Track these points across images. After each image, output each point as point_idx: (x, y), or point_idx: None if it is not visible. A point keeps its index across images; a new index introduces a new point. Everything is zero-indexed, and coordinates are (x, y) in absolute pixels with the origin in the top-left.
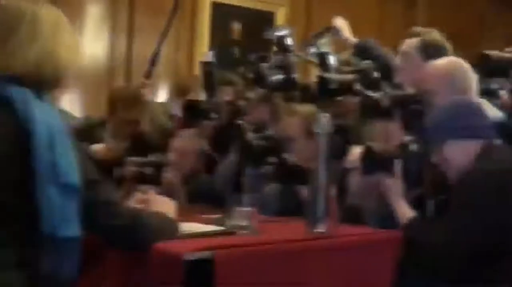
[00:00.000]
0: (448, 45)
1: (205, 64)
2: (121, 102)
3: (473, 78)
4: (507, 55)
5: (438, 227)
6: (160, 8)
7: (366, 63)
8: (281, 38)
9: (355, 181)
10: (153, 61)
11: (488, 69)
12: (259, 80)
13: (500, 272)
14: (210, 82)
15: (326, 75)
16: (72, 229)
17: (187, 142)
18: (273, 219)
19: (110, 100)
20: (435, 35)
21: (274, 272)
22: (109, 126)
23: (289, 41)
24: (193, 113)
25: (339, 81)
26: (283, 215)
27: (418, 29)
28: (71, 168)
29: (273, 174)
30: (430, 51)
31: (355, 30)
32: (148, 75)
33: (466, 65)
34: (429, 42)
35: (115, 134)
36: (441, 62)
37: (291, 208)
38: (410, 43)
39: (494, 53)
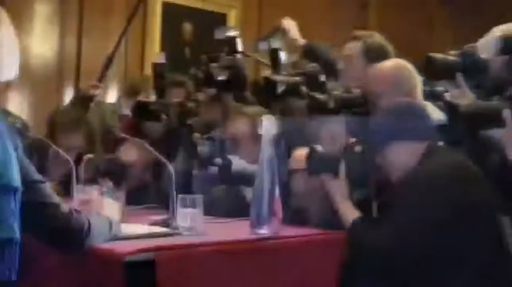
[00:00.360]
0: (391, 48)
1: (157, 66)
2: (60, 128)
3: (418, 81)
4: (451, 58)
5: (382, 228)
6: (110, 9)
7: (313, 66)
8: (230, 39)
9: (300, 182)
10: (108, 64)
11: (433, 72)
12: (208, 80)
13: (445, 274)
14: (161, 84)
15: (273, 77)
16: (10, 230)
17: (134, 154)
18: (218, 220)
19: (49, 125)
20: (377, 38)
21: (217, 273)
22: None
23: (238, 41)
24: (143, 114)
25: (285, 83)
26: (229, 216)
27: (359, 32)
28: (9, 169)
29: (219, 175)
30: (373, 54)
31: (307, 32)
32: (101, 78)
33: (411, 67)
34: (371, 45)
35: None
36: (386, 64)
37: (237, 209)
38: (352, 47)
39: (439, 56)
